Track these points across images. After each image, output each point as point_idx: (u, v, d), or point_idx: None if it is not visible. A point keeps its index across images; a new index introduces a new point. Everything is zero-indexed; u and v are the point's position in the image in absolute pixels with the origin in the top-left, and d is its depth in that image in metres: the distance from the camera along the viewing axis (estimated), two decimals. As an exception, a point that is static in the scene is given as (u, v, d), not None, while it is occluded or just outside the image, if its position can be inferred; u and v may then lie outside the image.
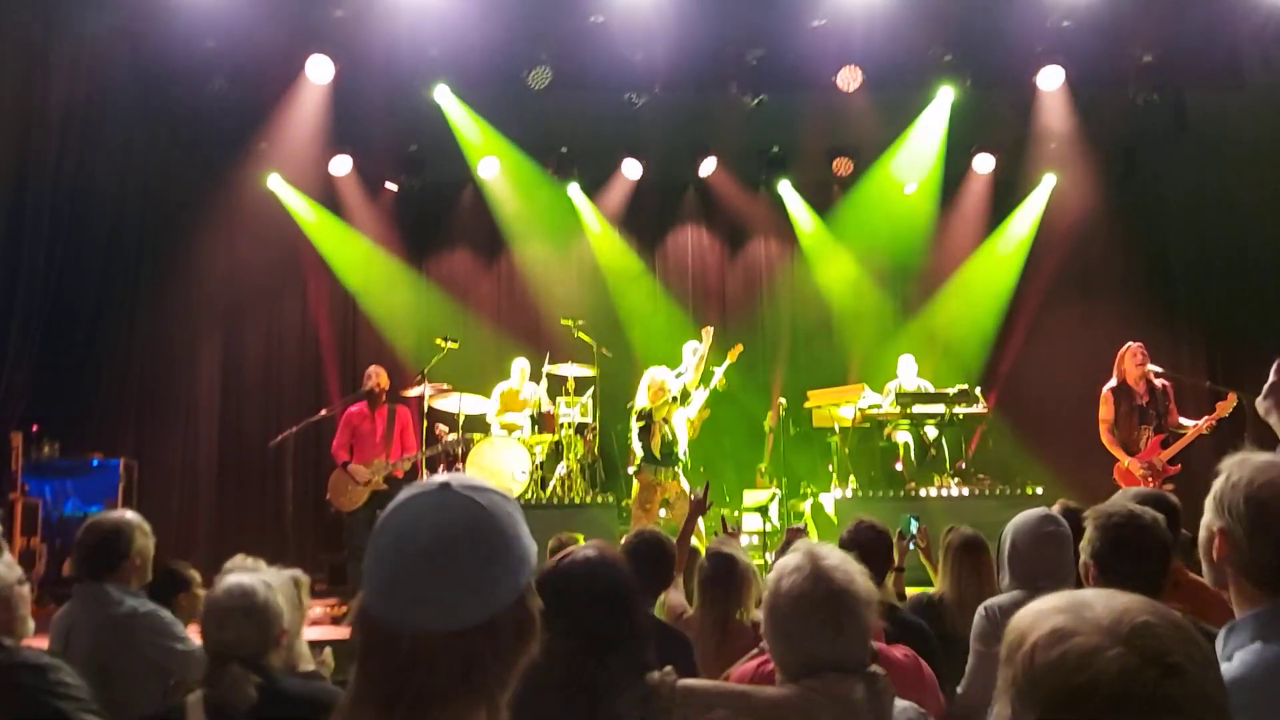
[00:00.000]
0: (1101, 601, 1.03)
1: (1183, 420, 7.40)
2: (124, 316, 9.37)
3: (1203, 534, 1.80)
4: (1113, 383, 7.51)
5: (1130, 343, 7.57)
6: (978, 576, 3.78)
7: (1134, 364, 7.42)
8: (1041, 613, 1.05)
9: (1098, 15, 8.56)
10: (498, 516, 1.23)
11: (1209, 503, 1.78)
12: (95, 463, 8.56)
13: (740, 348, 8.87)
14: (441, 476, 1.26)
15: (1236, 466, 1.76)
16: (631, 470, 7.75)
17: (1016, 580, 3.16)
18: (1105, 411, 7.47)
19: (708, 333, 8.57)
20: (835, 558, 2.11)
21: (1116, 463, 7.44)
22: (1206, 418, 7.22)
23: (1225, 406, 7.18)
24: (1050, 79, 9.33)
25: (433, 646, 1.17)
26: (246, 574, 2.67)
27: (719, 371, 8.78)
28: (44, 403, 8.46)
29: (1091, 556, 2.58)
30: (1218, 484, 1.77)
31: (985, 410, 8.86)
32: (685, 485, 7.60)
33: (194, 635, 3.14)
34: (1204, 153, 9.82)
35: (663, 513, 7.79)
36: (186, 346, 9.95)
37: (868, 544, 3.65)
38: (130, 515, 3.56)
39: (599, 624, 2.15)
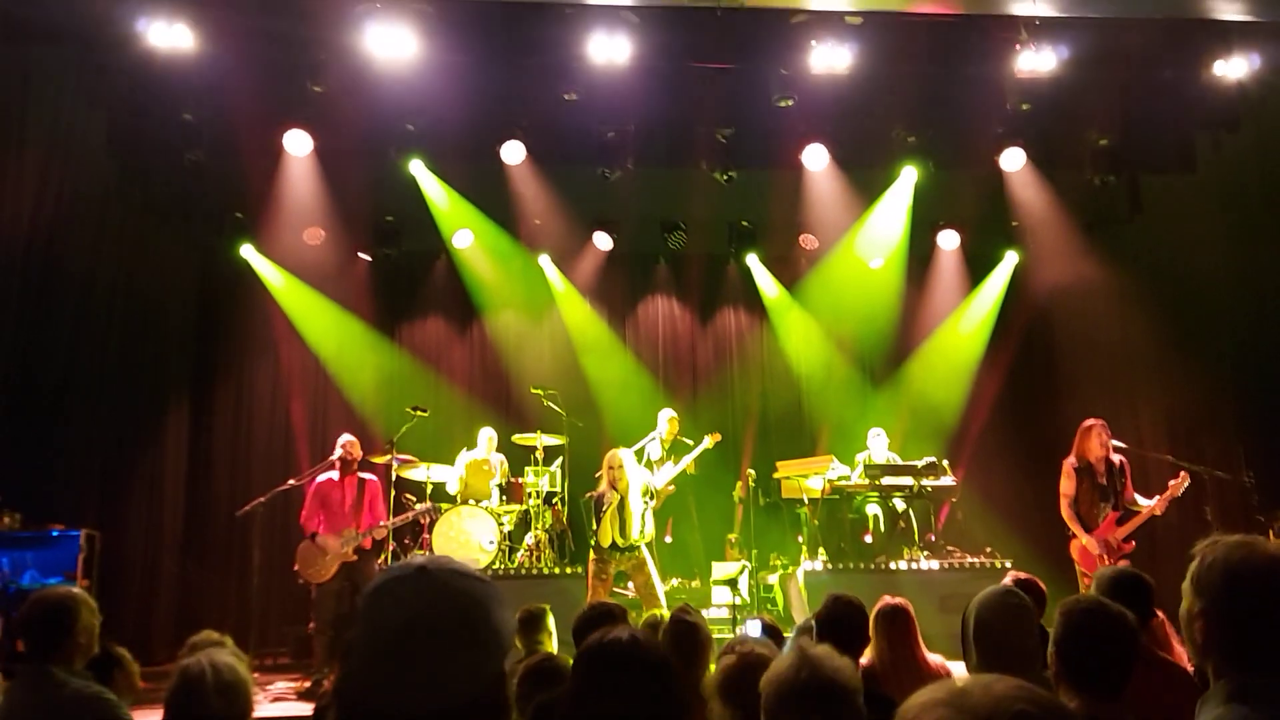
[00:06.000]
0: (980, 689, 1.08)
1: (1138, 498, 7.43)
2: (91, 384, 9.26)
3: (1183, 619, 1.81)
4: (1074, 459, 7.50)
5: (1092, 420, 7.56)
6: (904, 642, 3.97)
7: (1098, 443, 7.41)
8: (925, 705, 1.09)
9: (1055, 99, 8.85)
10: (479, 601, 1.24)
11: (1186, 588, 1.80)
12: (55, 533, 8.37)
13: (719, 436, 9.11)
14: (418, 559, 1.26)
15: (1209, 548, 1.79)
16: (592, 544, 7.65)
17: (985, 660, 3.14)
18: (1067, 486, 7.45)
19: (674, 420, 9.11)
20: (823, 648, 2.22)
21: (1073, 538, 7.44)
22: (1160, 497, 7.29)
23: (1178, 485, 7.28)
24: (1011, 159, 9.60)
25: None
26: (219, 650, 2.66)
27: (689, 457, 8.93)
28: (5, 472, 8.31)
29: (1055, 644, 2.58)
30: (1193, 567, 1.79)
31: (954, 483, 8.92)
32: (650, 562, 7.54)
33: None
34: (1159, 231, 10.09)
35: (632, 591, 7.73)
36: (155, 414, 9.84)
37: (846, 620, 3.67)
38: (75, 590, 3.48)
39: (658, 694, 2.21)
